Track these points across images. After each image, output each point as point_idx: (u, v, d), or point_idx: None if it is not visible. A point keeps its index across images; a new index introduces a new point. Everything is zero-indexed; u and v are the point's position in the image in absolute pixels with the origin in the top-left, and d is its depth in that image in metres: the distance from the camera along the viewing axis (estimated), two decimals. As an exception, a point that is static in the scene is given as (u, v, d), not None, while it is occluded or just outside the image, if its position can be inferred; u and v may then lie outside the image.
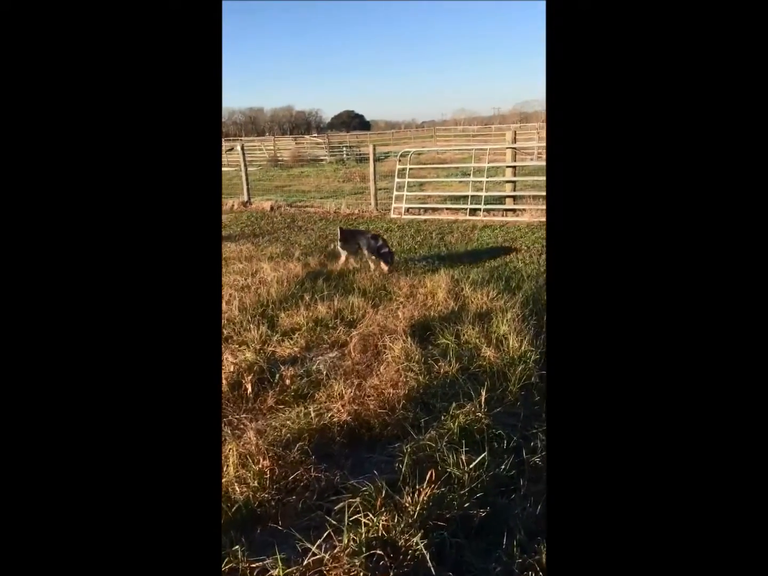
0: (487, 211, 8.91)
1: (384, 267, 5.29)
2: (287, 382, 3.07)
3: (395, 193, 9.54)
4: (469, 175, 9.51)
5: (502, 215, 8.88)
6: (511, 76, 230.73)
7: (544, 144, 9.83)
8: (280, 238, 7.91)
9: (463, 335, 3.55)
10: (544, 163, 11.44)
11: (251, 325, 3.84)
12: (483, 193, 8.92)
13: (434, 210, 9.49)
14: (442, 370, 3.09)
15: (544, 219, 8.25)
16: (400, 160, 10.05)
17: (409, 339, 3.42)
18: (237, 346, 3.61)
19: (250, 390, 2.99)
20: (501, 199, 9.26)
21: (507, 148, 9.02)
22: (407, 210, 9.51)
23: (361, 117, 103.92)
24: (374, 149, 10.11)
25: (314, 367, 3.25)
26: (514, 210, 8.90)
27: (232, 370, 3.16)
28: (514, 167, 9.09)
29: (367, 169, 11.29)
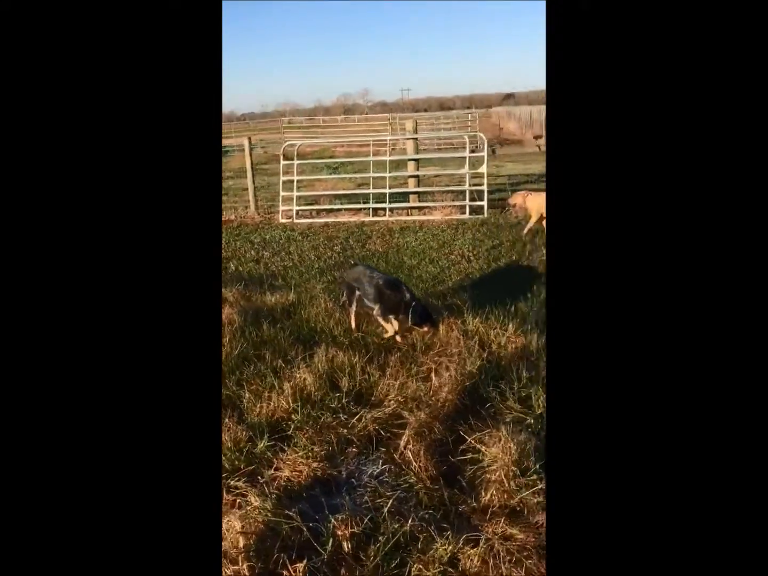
0: (391, 210, 7.95)
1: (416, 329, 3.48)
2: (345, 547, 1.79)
3: (282, 193, 8.13)
4: (367, 171, 8.34)
5: (407, 213, 7.99)
6: (335, 68, 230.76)
7: (400, 137, 8.89)
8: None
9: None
10: (444, 155, 11.01)
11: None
12: (386, 191, 7.93)
13: (329, 212, 8.27)
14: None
15: (460, 216, 7.55)
16: (284, 155, 8.58)
17: (503, 430, 2.30)
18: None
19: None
20: (404, 196, 8.35)
21: (408, 138, 8.11)
22: (298, 213, 8.17)
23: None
24: (250, 141, 8.55)
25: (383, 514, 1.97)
26: (420, 208, 8.05)
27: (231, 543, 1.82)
28: (417, 161, 8.22)
29: (227, 164, 9.60)
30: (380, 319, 3.54)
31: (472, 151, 7.95)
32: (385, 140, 8.79)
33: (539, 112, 25.43)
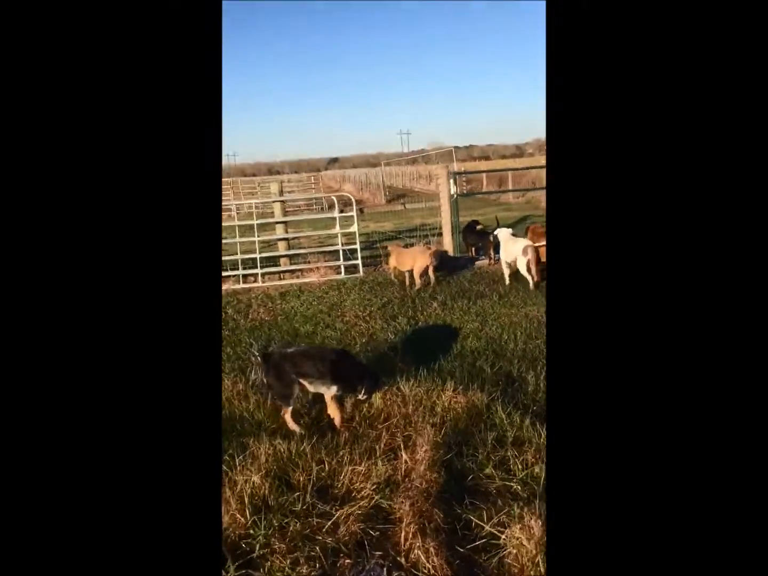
0: (263, 275, 7.56)
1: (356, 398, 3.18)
2: None
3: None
4: (234, 235, 7.82)
5: (280, 278, 7.66)
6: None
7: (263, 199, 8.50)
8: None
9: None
10: (314, 216, 10.63)
11: None
12: (257, 255, 7.54)
13: (193, 281, 7.61)
14: None
15: (336, 276, 7.40)
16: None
17: (505, 504, 2.09)
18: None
19: None
20: (273, 261, 8.00)
21: (274, 201, 7.85)
22: (157, 285, 7.38)
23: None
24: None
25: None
26: (293, 271, 7.77)
27: None
28: (285, 223, 7.97)
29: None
30: (333, 401, 3.10)
31: (341, 211, 7.92)
32: (249, 203, 8.36)
33: (373, 175, 26.78)
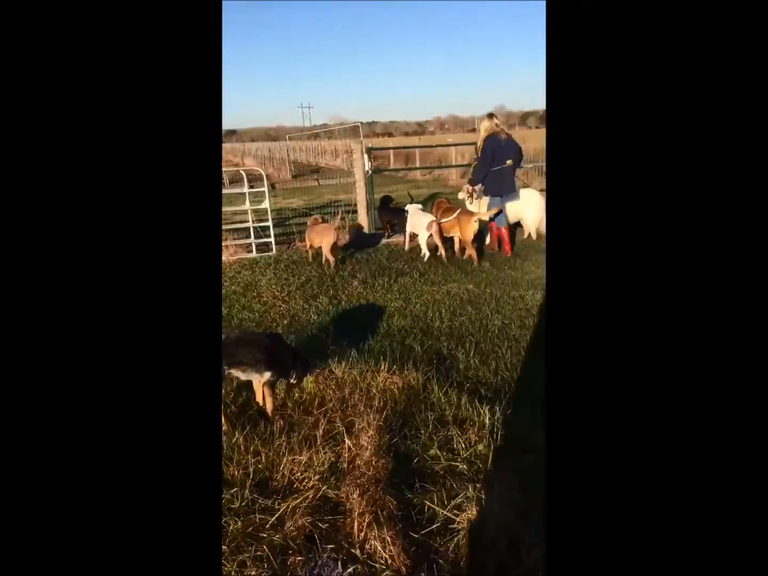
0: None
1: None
2: None
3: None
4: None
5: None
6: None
7: None
8: None
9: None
10: (223, 191, 9.84)
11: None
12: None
13: None
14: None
15: (247, 255, 7.08)
16: None
17: (457, 486, 2.06)
18: None
19: None
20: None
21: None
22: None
23: None
24: None
25: None
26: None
27: None
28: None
29: None
30: (264, 388, 2.90)
31: (251, 187, 7.55)
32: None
33: (277, 149, 25.96)
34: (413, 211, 6.79)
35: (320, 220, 6.75)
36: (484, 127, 6.41)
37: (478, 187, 6.66)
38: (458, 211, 6.37)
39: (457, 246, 6.59)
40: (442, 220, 6.35)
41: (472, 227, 6.21)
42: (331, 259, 6.24)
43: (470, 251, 6.30)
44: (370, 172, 7.95)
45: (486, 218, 6.46)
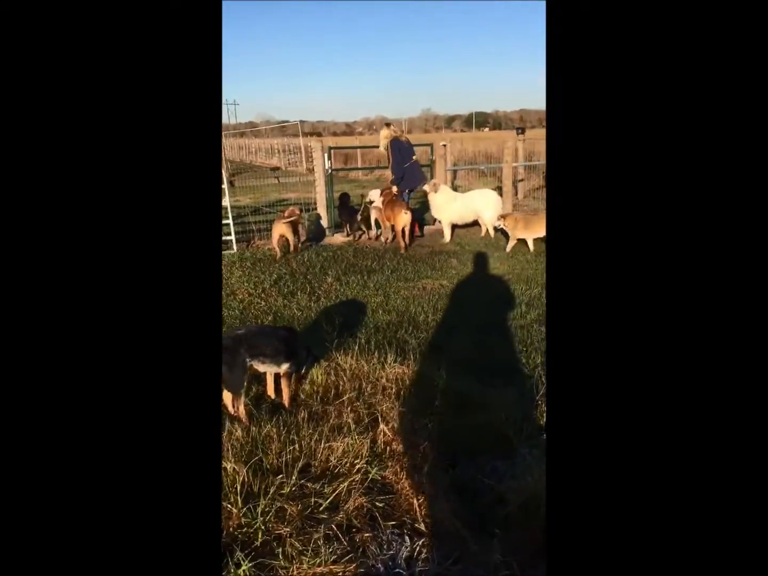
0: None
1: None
2: None
3: None
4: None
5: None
6: None
7: None
8: None
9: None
10: None
11: None
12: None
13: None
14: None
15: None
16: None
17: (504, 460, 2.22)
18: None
19: None
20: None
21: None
22: None
23: None
24: None
25: None
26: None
27: None
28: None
29: None
30: (282, 380, 2.95)
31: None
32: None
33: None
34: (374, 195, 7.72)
35: (297, 212, 6.90)
36: (384, 135, 7.55)
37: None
38: (392, 201, 7.11)
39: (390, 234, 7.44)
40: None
41: (402, 218, 6.91)
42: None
43: (399, 239, 7.08)
44: (329, 171, 8.00)
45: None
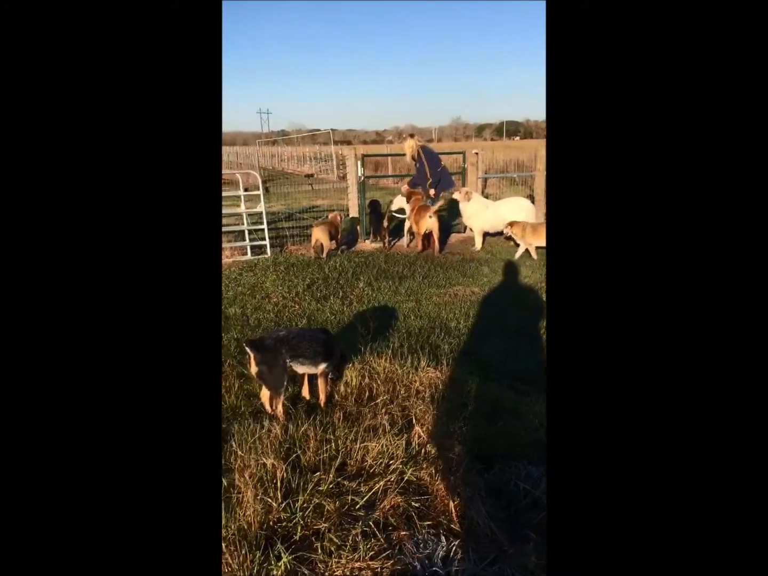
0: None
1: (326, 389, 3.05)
2: None
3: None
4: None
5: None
6: None
7: None
8: None
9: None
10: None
11: None
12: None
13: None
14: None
15: (242, 257, 7.09)
16: None
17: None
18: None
19: None
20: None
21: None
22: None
23: None
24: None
25: None
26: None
27: None
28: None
29: None
30: (319, 380, 3.02)
31: (246, 189, 7.57)
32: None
33: (244, 154, 25.72)
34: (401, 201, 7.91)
35: (339, 218, 7.13)
36: (409, 144, 7.67)
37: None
38: (419, 206, 7.18)
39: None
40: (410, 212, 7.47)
41: (425, 222, 7.02)
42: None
43: (417, 242, 7.37)
44: (362, 178, 8.10)
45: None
